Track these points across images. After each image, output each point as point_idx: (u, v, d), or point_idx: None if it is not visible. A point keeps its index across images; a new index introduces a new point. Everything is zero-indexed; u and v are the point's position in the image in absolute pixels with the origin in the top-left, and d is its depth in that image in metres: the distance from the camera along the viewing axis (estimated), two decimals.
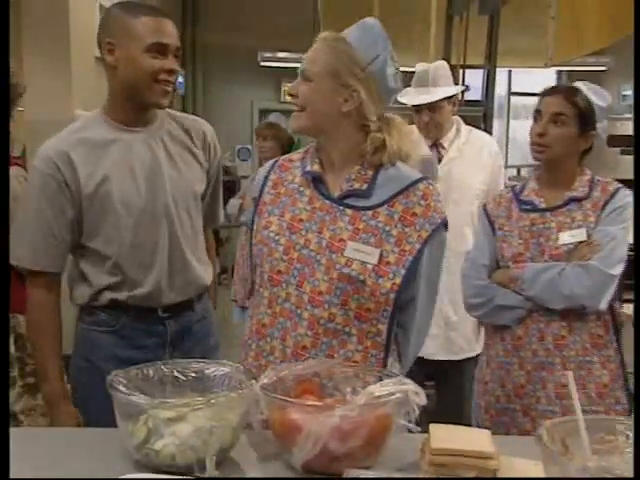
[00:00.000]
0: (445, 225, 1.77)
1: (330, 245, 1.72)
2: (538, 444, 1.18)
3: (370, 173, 1.76)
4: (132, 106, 1.97)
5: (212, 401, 1.39)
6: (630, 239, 2.11)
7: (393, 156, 1.76)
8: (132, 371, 1.51)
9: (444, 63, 3.30)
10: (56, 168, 1.91)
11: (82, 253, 2.00)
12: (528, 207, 2.22)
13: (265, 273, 1.76)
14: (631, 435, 1.17)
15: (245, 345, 1.82)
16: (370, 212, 1.73)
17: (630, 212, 2.12)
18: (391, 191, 1.75)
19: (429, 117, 3.09)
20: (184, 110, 9.11)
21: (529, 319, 2.16)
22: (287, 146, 4.63)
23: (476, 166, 3.12)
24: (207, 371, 1.56)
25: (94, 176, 1.93)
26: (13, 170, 2.66)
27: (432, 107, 3.09)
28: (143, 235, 1.98)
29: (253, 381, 1.47)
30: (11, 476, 1.28)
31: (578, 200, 2.17)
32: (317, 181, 1.79)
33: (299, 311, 1.71)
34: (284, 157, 1.91)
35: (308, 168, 1.80)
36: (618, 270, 2.11)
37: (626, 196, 2.16)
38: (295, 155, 1.89)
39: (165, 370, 1.55)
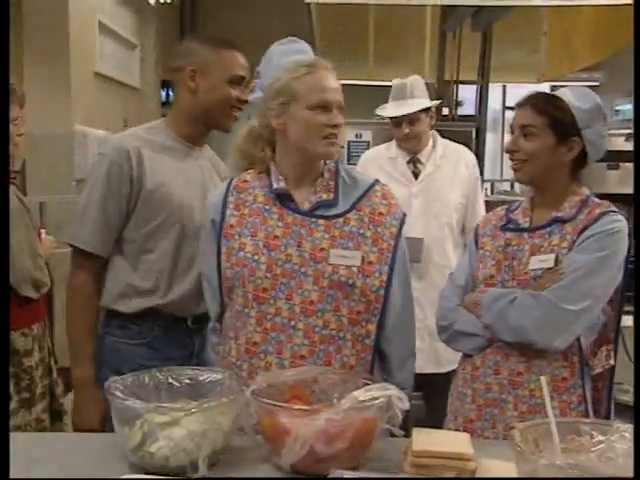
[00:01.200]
0: (404, 217, 1.94)
1: (313, 256, 1.80)
2: (511, 445, 1.25)
3: (332, 183, 1.89)
4: (199, 126, 2.19)
5: (205, 406, 1.46)
6: (612, 270, 1.87)
7: (341, 155, 1.99)
8: (129, 378, 1.58)
9: (419, 77, 3.36)
10: (127, 158, 2.07)
11: (127, 249, 2.12)
12: (511, 226, 2.03)
13: (249, 293, 1.80)
14: (595, 435, 1.25)
15: (232, 366, 1.82)
16: (341, 219, 1.85)
17: (615, 240, 1.88)
18: (354, 197, 1.88)
19: (409, 129, 3.16)
20: None
21: (490, 349, 1.96)
22: None
23: (454, 180, 3.19)
24: (200, 378, 1.63)
25: (157, 174, 2.09)
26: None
27: (411, 119, 3.16)
28: (187, 242, 2.13)
29: (244, 387, 1.54)
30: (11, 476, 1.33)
31: (562, 221, 1.95)
32: (283, 198, 1.86)
33: (292, 323, 1.78)
34: (237, 178, 1.94)
35: (275, 186, 1.86)
36: (579, 305, 1.85)
37: (613, 222, 1.89)
38: (247, 176, 1.93)
39: (160, 377, 1.62)
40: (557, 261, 1.90)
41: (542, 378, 1.40)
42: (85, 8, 5.34)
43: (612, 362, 1.97)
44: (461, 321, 2.01)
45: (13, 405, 2.66)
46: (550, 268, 1.90)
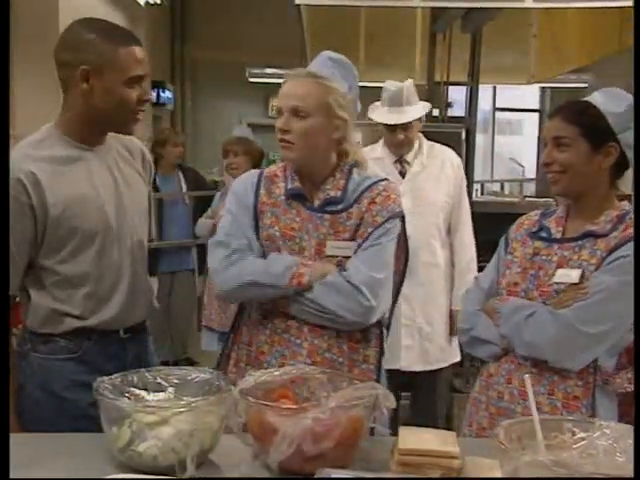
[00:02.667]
0: (403, 219, 2.02)
1: (317, 250, 1.95)
2: (496, 443, 1.26)
3: (342, 182, 1.99)
4: (96, 128, 1.97)
5: (193, 405, 1.48)
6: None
7: (353, 160, 2.02)
8: (117, 378, 1.59)
9: (412, 82, 3.39)
10: (21, 188, 1.84)
11: (44, 276, 1.93)
12: (542, 234, 1.97)
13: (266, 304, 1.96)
14: (577, 432, 1.27)
15: (239, 369, 1.95)
16: (345, 214, 1.96)
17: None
18: (359, 192, 1.98)
19: (403, 135, 3.20)
20: (173, 125, 9.21)
21: (505, 357, 1.93)
22: (259, 160, 4.50)
23: (439, 179, 3.24)
24: (189, 377, 1.64)
25: (60, 196, 1.88)
26: None
27: (406, 126, 3.21)
28: (109, 256, 1.97)
29: (232, 386, 1.55)
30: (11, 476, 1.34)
31: (595, 236, 1.87)
32: (298, 195, 1.99)
33: (298, 341, 1.92)
34: (268, 170, 2.07)
35: (290, 185, 1.99)
36: (598, 328, 1.79)
37: None
38: (278, 171, 2.06)
39: (149, 376, 1.63)
40: (583, 277, 1.84)
41: (526, 376, 1.42)
42: (76, 9, 5.35)
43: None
44: (480, 327, 1.97)
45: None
46: (575, 284, 1.84)
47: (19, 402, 1.93)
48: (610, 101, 1.90)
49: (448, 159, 3.33)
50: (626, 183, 1.96)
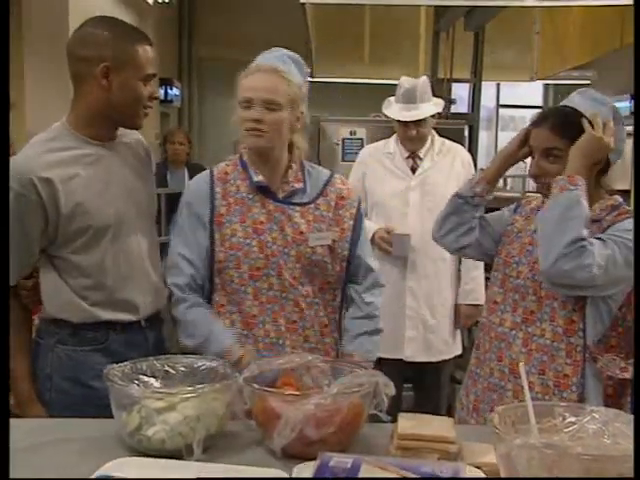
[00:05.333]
0: (360, 201, 2.28)
1: (295, 239, 2.09)
2: (491, 428, 1.31)
3: (300, 174, 2.16)
4: (108, 123, 2.02)
5: (199, 392, 1.54)
6: (628, 259, 1.80)
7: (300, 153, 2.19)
8: (127, 365, 1.65)
9: (427, 79, 3.43)
10: (32, 188, 1.87)
11: (59, 265, 1.98)
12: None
13: (245, 273, 2.08)
14: (568, 416, 1.32)
15: (240, 335, 2.07)
16: (312, 205, 2.14)
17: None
18: (319, 186, 2.17)
19: (416, 131, 3.23)
20: (180, 122, 9.26)
21: (495, 333, 2.02)
22: None
23: (449, 175, 3.26)
24: (195, 365, 1.71)
25: (72, 194, 1.91)
26: None
27: (419, 122, 3.23)
28: (123, 248, 2.01)
29: (237, 374, 1.61)
30: (11, 476, 1.36)
31: (590, 221, 1.86)
32: (262, 188, 2.12)
33: (284, 294, 2.08)
34: (218, 171, 2.18)
35: (255, 179, 2.11)
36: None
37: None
38: (227, 168, 2.19)
39: (157, 364, 1.69)
40: None
41: (521, 364, 1.46)
42: (85, 8, 5.40)
43: (627, 375, 1.89)
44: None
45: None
46: None
47: (46, 393, 2.00)
48: (591, 105, 1.91)
49: (459, 156, 3.36)
50: (612, 178, 2.00)
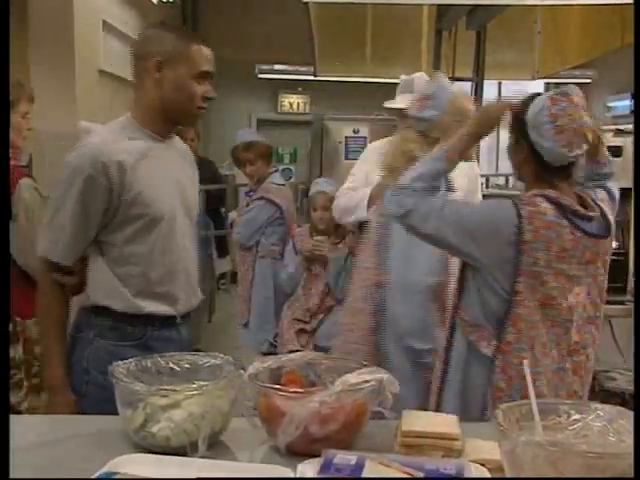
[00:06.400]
0: None
1: None
2: (495, 425, 1.32)
3: None
4: (166, 120, 2.09)
5: (204, 389, 1.54)
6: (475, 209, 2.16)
7: None
8: (132, 362, 1.66)
9: (424, 74, 3.46)
10: (103, 171, 1.94)
11: (107, 251, 2.04)
12: None
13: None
14: (573, 414, 1.33)
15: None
16: None
17: (499, 205, 2.07)
18: None
19: None
20: None
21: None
22: (270, 157, 4.53)
23: (455, 173, 3.27)
24: (200, 362, 1.72)
25: (136, 182, 1.99)
26: (24, 181, 2.79)
27: None
28: (170, 242, 2.08)
29: (241, 371, 1.62)
30: (11, 476, 1.36)
31: None
32: None
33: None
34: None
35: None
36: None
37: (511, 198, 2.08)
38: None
39: (162, 362, 1.70)
40: None
41: (525, 362, 1.46)
42: (90, 7, 5.40)
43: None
44: None
45: (24, 391, 2.75)
46: None
47: (82, 386, 2.04)
48: (531, 103, 2.03)
49: None
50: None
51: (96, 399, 1.97)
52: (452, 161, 2.11)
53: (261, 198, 4.32)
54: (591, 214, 2.03)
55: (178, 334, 2.13)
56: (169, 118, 2.09)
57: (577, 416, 1.34)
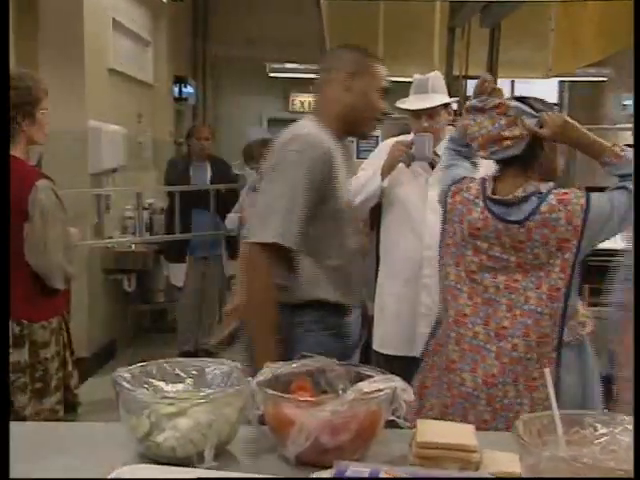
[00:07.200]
0: None
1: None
2: (515, 437, 1.25)
3: None
4: (346, 125, 2.29)
5: (211, 397, 1.48)
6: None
7: None
8: (136, 368, 1.60)
9: (440, 73, 3.42)
10: (323, 158, 2.14)
11: (315, 249, 2.17)
12: None
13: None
14: (599, 427, 1.26)
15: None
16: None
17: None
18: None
19: (428, 123, 3.20)
20: (194, 119, 9.24)
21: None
22: None
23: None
24: (207, 369, 1.64)
25: (334, 176, 2.19)
26: (41, 183, 2.74)
27: (431, 114, 3.21)
28: (347, 236, 2.28)
29: (250, 378, 1.55)
30: (11, 475, 1.34)
31: None
32: None
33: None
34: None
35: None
36: None
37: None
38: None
39: (167, 367, 1.63)
40: None
41: (546, 370, 1.40)
42: (99, 6, 5.38)
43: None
44: None
45: (28, 395, 2.70)
46: None
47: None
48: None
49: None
50: None
51: None
52: None
53: None
54: (508, 199, 2.18)
55: (356, 325, 2.31)
56: (350, 122, 2.29)
57: (604, 430, 1.26)
